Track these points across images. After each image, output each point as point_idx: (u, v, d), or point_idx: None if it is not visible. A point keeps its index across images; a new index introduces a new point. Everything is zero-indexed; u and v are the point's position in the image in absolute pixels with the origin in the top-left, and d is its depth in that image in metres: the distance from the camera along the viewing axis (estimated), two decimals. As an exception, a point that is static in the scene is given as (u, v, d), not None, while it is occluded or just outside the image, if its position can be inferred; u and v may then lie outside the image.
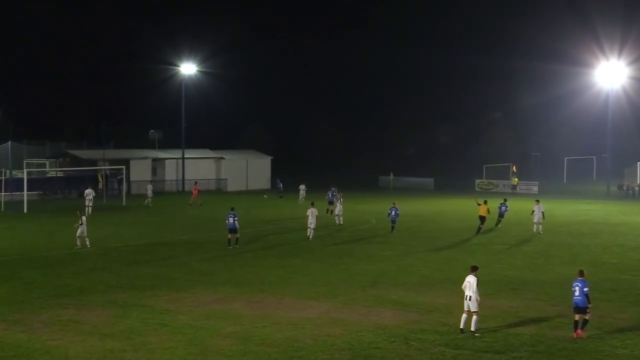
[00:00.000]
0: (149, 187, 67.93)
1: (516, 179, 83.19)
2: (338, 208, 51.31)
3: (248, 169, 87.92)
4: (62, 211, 57.88)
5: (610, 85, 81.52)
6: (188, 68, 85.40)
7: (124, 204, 65.10)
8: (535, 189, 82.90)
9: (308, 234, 42.84)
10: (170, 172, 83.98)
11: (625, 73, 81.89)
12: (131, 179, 77.70)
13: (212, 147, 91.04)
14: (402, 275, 31.97)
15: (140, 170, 79.98)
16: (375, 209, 62.55)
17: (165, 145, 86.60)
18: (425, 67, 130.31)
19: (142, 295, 27.57)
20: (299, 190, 67.87)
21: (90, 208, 56.11)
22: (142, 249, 39.46)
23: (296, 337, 21.90)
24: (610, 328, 23.08)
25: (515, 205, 66.48)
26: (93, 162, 77.80)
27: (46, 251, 38.56)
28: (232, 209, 39.88)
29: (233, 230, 38.95)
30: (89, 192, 57.92)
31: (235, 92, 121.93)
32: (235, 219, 38.98)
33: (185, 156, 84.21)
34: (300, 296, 27.48)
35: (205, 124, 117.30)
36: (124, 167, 71.35)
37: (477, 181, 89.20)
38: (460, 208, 63.14)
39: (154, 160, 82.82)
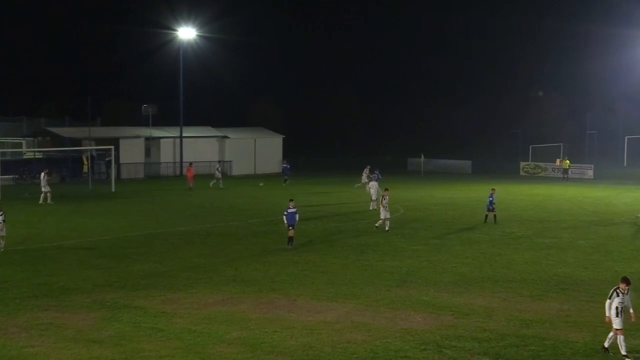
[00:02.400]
0: (218, 168, 71.58)
1: (567, 162, 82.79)
2: (374, 191, 53.08)
3: (256, 150, 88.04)
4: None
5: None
6: (187, 32, 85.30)
7: (113, 190, 65.40)
8: (590, 173, 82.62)
9: (384, 225, 43.29)
10: (166, 153, 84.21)
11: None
12: (121, 160, 78.03)
13: (215, 125, 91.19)
14: (434, 273, 31.94)
15: (131, 150, 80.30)
16: (403, 195, 62.49)
17: (160, 122, 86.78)
18: (467, 32, 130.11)
19: (134, 295, 27.68)
20: (363, 176, 65.58)
21: (48, 195, 55.47)
22: (134, 242, 39.61)
23: (311, 344, 21.93)
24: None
25: (568, 192, 66.33)
26: (77, 142, 78.14)
27: (23, 244, 38.79)
28: (291, 200, 38.43)
29: (292, 225, 37.51)
30: (43, 176, 56.62)
31: (241, 61, 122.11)
32: (296, 212, 37.66)
33: (184, 135, 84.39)
34: (316, 297, 27.51)
35: (206, 98, 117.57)
36: (112, 147, 71.53)
37: (522, 164, 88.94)
38: (502, 195, 62.85)
39: (148, 139, 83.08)
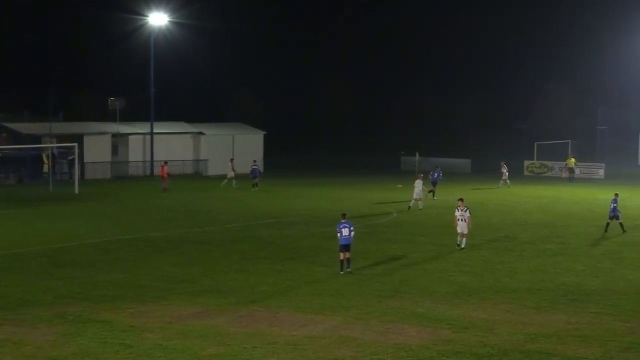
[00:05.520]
0: (229, 165, 71.15)
1: (573, 160, 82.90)
2: (418, 190, 55.66)
3: (235, 148, 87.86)
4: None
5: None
6: (158, 18, 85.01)
7: (76, 191, 65.19)
8: (600, 172, 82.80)
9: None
10: (135, 152, 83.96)
11: None
12: (85, 159, 77.77)
13: (189, 120, 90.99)
14: (430, 282, 31.99)
15: (96, 148, 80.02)
16: (396, 197, 62.52)
17: (129, 117, 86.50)
18: (468, 21, 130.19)
19: (99, 308, 27.62)
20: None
21: None
22: (100, 250, 39.50)
23: (295, 361, 21.95)
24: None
25: (577, 194, 66.50)
26: (36, 139, 77.78)
27: (-22, 252, 38.64)
28: (344, 216, 34.46)
29: (346, 247, 33.58)
30: None
31: (219, 51, 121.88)
32: (352, 230, 33.68)
33: (155, 131, 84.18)
34: (300, 309, 27.51)
35: (180, 90, 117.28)
36: (76, 144, 71.29)
37: (527, 163, 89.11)
38: (504, 197, 63.10)
39: (115, 136, 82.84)
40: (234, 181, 69.46)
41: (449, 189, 65.16)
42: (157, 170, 77.58)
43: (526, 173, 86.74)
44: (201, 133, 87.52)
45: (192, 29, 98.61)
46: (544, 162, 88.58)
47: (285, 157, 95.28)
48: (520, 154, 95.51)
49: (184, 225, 47.48)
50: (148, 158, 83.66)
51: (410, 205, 55.50)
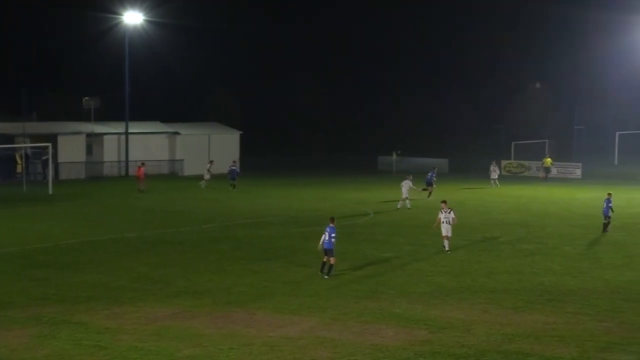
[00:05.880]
0: (207, 166, 70.55)
1: (549, 160, 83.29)
2: (405, 190, 55.98)
3: (210, 148, 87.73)
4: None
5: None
6: (133, 17, 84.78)
7: (50, 192, 64.89)
8: (578, 172, 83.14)
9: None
10: (110, 152, 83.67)
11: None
12: (59, 159, 77.42)
13: (165, 120, 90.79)
14: (407, 283, 32.05)
15: (71, 148, 79.71)
16: (373, 197, 62.62)
17: (103, 117, 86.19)
18: (443, 19, 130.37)
19: (74, 309, 27.53)
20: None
21: None
22: (74, 251, 39.37)
23: (272, 363, 21.96)
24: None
25: (555, 194, 66.78)
26: (9, 139, 77.38)
27: (-50, 253, 38.46)
28: (332, 220, 33.78)
29: (325, 251, 33.14)
30: None
31: (195, 50, 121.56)
32: (332, 235, 32.94)
33: (130, 131, 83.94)
34: (277, 310, 27.52)
35: (156, 89, 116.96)
36: (50, 144, 70.99)
37: (504, 162, 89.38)
38: (483, 197, 63.28)
39: (89, 135, 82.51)
40: (204, 182, 69.29)
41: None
42: (132, 171, 77.37)
43: (504, 173, 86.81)
44: (177, 133, 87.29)
45: (167, 27, 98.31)
46: (522, 161, 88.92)
47: (262, 157, 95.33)
48: (497, 153, 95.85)
49: (159, 226, 47.36)
50: (123, 158, 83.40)
51: (399, 205, 55.69)
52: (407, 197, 55.80)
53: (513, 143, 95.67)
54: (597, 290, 30.64)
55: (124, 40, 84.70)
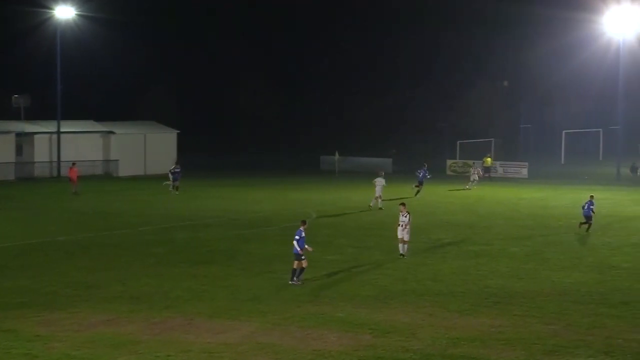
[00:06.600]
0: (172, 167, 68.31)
1: (489, 159, 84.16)
2: (379, 188, 56.52)
3: (146, 147, 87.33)
4: None
5: (621, 37, 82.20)
6: (65, 11, 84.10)
7: (-22, 194, 64.24)
8: (524, 171, 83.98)
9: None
10: (41, 152, 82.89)
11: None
12: (-14, 160, 76.75)
13: (99, 119, 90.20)
14: (351, 286, 32.12)
15: None
16: (315, 198, 62.70)
17: (34, 115, 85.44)
18: (383, 11, 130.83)
19: (3, 316, 27.21)
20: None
21: None
22: (6, 255, 38.91)
23: (211, 370, 21.90)
24: (621, 352, 23.53)
25: (501, 194, 67.37)
26: None
27: None
28: (304, 223, 33.55)
29: (294, 255, 32.58)
30: None
31: (130, 45, 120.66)
32: (296, 237, 32.47)
33: (62, 130, 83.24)
34: (216, 315, 27.44)
35: (89, 87, 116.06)
36: (-23, 144, 70.31)
37: (449, 162, 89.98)
38: (428, 197, 63.57)
39: (19, 135, 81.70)
40: (169, 182, 68.36)
41: (368, 189, 65.42)
42: (64, 172, 76.66)
43: (448, 172, 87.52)
44: (111, 132, 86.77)
45: (101, 22, 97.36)
46: (467, 161, 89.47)
47: (201, 157, 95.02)
48: (443, 153, 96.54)
49: (94, 229, 47.00)
50: (55, 158, 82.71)
51: (371, 204, 56.29)
52: (380, 196, 56.28)
53: (458, 142, 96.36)
54: (544, 292, 30.94)
55: (56, 35, 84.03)
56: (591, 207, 46.14)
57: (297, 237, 32.36)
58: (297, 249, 32.13)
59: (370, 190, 58.39)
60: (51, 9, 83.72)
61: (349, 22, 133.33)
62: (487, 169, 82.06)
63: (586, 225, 45.95)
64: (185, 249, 40.67)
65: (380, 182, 56.54)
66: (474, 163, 76.86)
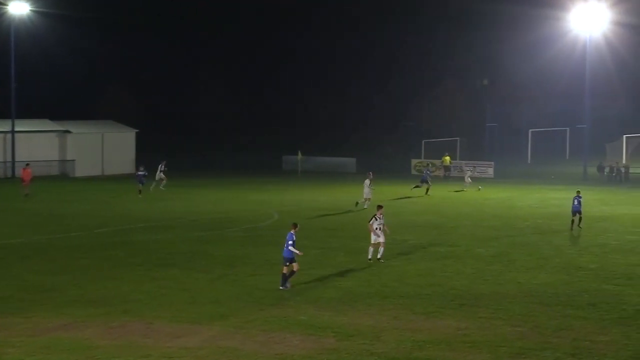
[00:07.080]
0: (160, 167, 69.07)
1: (448, 157, 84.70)
2: (367, 190, 57.51)
3: (104, 147, 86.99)
4: None
5: (588, 34, 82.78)
6: (18, 7, 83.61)
7: None
8: (490, 171, 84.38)
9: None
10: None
11: (608, 17, 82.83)
12: (-62, 161, 76.15)
13: (55, 118, 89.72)
14: (314, 288, 32.12)
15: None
16: (277, 199, 62.67)
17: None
18: (343, 8, 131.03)
19: (-44, 321, 27.03)
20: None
21: None
22: (-44, 258, 38.67)
23: (171, 375, 21.85)
24: (588, 354, 23.68)
25: (467, 194, 67.64)
26: None
27: None
28: (295, 226, 32.85)
29: (284, 259, 32.34)
30: None
31: (87, 42, 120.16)
32: (288, 241, 32.07)
33: (16, 129, 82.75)
34: (176, 319, 27.35)
35: (44, 85, 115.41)
36: None
37: (414, 162, 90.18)
38: (391, 197, 63.68)
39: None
40: (162, 182, 68.30)
41: (332, 189, 65.58)
42: (18, 172, 76.04)
43: (414, 172, 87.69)
44: (67, 131, 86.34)
45: (56, 18, 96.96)
46: (433, 160, 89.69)
47: (161, 158, 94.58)
48: (407, 152, 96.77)
49: (49, 231, 46.70)
50: (9, 159, 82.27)
51: (359, 202, 57.32)
52: (368, 198, 57.00)
53: (423, 141, 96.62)
54: (510, 294, 31.08)
55: (9, 32, 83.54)
56: (578, 201, 47.43)
57: (289, 241, 31.98)
58: (289, 253, 31.76)
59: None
60: (5, 4, 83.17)
61: (315, 20, 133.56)
62: (446, 168, 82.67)
63: (578, 221, 47.30)
64: (144, 251, 40.50)
65: (367, 184, 57.59)
66: (464, 163, 78.01)
